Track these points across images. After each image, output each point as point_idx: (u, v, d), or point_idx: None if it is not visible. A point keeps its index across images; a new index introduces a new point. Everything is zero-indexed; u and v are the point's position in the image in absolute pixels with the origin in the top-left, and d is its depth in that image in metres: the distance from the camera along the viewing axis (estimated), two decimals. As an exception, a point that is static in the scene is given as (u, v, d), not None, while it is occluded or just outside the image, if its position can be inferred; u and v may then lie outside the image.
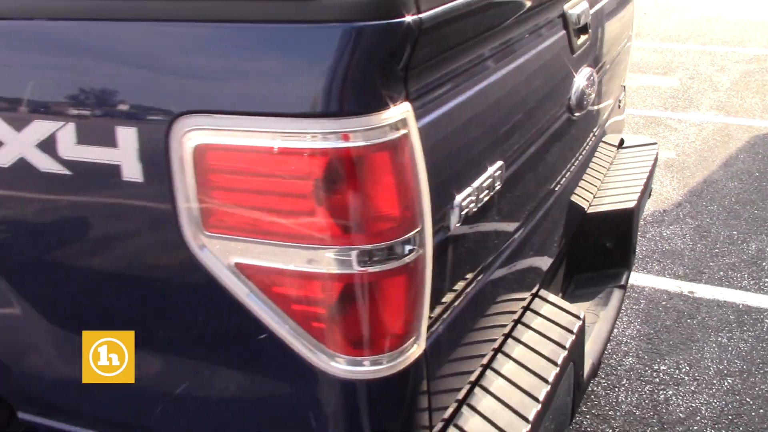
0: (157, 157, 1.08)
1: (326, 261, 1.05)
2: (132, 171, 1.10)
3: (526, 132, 1.50)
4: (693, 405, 2.66)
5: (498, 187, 1.34)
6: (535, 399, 1.39)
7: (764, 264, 3.60)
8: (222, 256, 1.09)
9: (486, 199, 1.30)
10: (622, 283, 2.14)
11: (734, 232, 3.91)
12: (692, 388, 2.75)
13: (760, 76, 6.66)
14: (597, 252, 2.16)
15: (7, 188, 1.21)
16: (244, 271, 1.09)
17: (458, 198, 1.22)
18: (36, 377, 1.36)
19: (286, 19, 1.02)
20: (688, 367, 2.86)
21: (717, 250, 3.73)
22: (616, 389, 2.76)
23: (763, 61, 7.15)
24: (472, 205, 1.25)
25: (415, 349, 1.14)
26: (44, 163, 1.15)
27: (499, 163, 1.34)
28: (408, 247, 1.07)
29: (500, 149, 1.37)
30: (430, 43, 1.09)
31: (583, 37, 1.79)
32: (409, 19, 1.02)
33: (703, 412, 2.62)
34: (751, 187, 4.45)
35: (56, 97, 1.14)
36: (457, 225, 1.22)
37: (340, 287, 1.07)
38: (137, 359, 1.23)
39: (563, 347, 1.53)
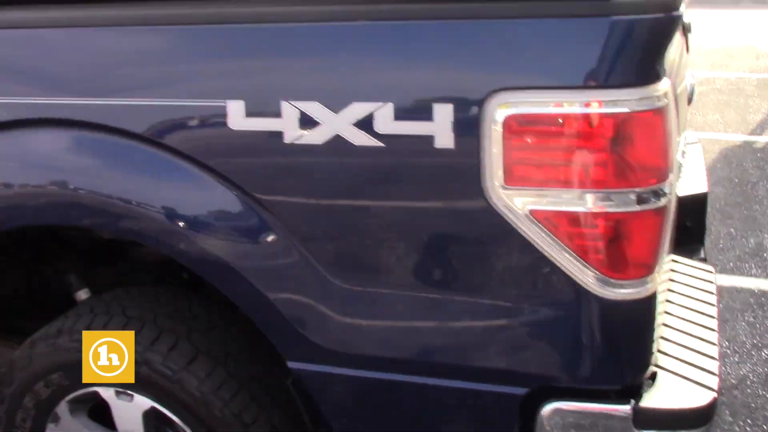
0: (468, 127, 1.32)
1: (609, 202, 1.33)
2: (444, 140, 1.34)
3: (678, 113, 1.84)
4: (741, 373, 3.02)
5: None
6: (710, 328, 1.70)
7: (765, 255, 4.04)
8: (519, 206, 1.36)
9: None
10: (702, 256, 2.48)
11: (732, 230, 4.35)
12: (736, 360, 3.11)
13: (713, 96, 7.29)
14: (680, 231, 2.50)
15: (321, 162, 1.42)
16: (537, 216, 1.36)
17: (677, 157, 1.53)
18: (313, 328, 1.54)
19: (586, 13, 1.31)
20: (727, 343, 3.22)
21: (721, 246, 4.16)
22: (671, 363, 3.10)
23: (712, 83, 7.82)
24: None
25: (657, 278, 1.43)
26: (359, 139, 1.38)
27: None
28: (664, 192, 1.37)
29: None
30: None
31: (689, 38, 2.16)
32: (675, 13, 1.33)
33: (751, 378, 2.98)
34: (735, 192, 4.93)
35: (378, 84, 1.39)
36: (674, 181, 1.53)
37: (618, 223, 1.34)
38: (434, 304, 1.47)
39: (712, 293, 1.86)
